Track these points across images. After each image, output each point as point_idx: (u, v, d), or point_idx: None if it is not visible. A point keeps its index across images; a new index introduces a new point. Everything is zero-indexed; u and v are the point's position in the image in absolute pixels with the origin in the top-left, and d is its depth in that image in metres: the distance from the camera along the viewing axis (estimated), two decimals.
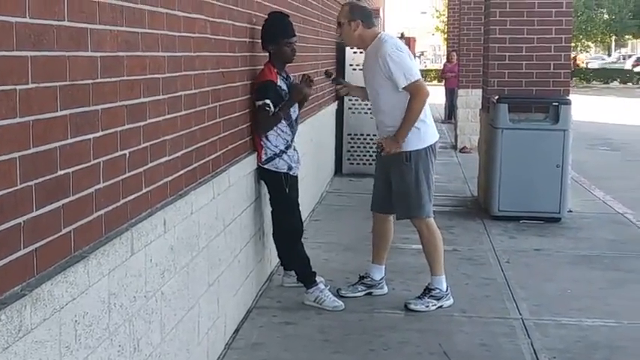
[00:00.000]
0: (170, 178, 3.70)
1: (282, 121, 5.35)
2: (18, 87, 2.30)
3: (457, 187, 10.60)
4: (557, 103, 8.30)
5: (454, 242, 7.37)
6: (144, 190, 3.35)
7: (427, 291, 5.54)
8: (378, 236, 5.89)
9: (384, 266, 5.89)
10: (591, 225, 8.34)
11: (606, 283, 6.30)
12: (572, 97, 8.59)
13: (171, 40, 3.71)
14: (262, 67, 5.46)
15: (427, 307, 5.47)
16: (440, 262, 5.61)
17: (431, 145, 5.51)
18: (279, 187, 5.46)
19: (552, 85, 8.62)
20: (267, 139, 5.36)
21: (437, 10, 53.30)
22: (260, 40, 5.43)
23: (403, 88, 5.33)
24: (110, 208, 2.98)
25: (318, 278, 5.60)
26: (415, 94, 5.35)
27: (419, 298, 5.53)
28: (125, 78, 3.14)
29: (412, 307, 5.46)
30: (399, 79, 5.32)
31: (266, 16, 5.50)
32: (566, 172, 8.27)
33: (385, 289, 5.81)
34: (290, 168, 5.46)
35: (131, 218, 3.20)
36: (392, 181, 5.56)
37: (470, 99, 15.09)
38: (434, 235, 5.59)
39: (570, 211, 8.61)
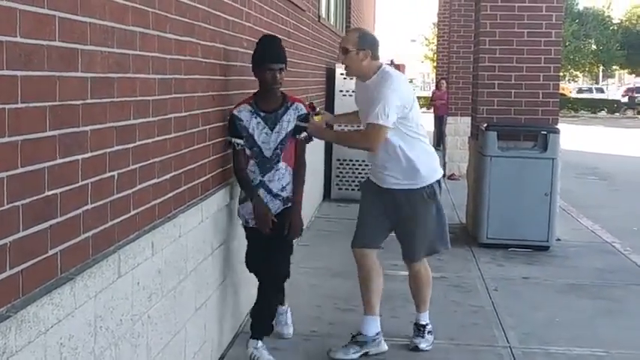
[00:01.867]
0: (159, 201, 3.67)
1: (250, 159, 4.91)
2: (7, 106, 2.28)
3: (446, 214, 10.56)
4: (545, 132, 8.33)
5: (442, 269, 7.34)
6: (132, 212, 3.33)
7: (421, 328, 5.31)
8: (370, 277, 5.26)
9: (378, 317, 5.29)
10: (579, 254, 8.34)
11: (594, 311, 6.28)
12: (560, 126, 8.61)
13: (162, 62, 3.70)
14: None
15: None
16: (427, 303, 5.38)
17: (438, 180, 5.16)
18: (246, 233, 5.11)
19: (541, 114, 8.65)
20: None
21: (426, 39, 53.65)
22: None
23: (367, 122, 4.92)
24: (98, 229, 2.96)
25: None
26: (370, 133, 4.92)
27: (418, 336, 5.30)
28: (115, 99, 3.12)
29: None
30: (375, 110, 4.81)
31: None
32: (554, 200, 8.28)
33: (384, 347, 5.23)
34: (247, 222, 5.00)
35: (118, 240, 3.17)
36: (405, 219, 5.16)
37: (459, 126, 15.13)
38: (429, 276, 5.38)
39: (559, 240, 8.62)
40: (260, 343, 4.92)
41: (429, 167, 5.10)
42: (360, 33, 5.25)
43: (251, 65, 4.94)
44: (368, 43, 5.06)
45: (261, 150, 4.88)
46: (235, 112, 4.86)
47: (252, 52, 4.99)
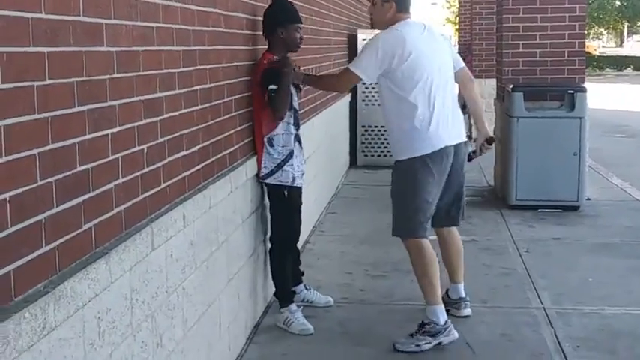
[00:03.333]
0: (188, 173, 3.68)
1: (287, 112, 4.91)
2: (36, 83, 2.28)
3: (473, 177, 10.50)
4: (572, 91, 8.23)
5: (472, 232, 7.32)
6: (162, 185, 3.33)
7: (420, 327, 4.77)
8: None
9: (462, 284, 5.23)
10: (610, 212, 8.28)
11: (627, 270, 6.24)
12: (586, 84, 8.51)
13: (185, 34, 3.68)
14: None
15: (418, 346, 4.69)
16: (432, 291, 4.80)
17: (429, 155, 4.75)
18: (279, 198, 5.03)
19: (567, 73, 8.55)
20: (272, 143, 4.90)
21: (447, 1, 53.11)
22: (262, 27, 5.05)
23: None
24: (130, 203, 2.97)
25: (295, 298, 5.18)
26: (341, 75, 5.12)
27: (410, 335, 4.76)
28: (141, 73, 3.11)
29: (398, 347, 4.71)
30: (357, 59, 4.93)
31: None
32: (583, 160, 8.21)
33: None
34: (294, 180, 5.00)
35: (151, 213, 3.19)
36: None
37: (483, 89, 14.99)
38: (422, 260, 4.82)
39: (588, 199, 8.56)
40: (294, 306, 5.02)
41: (402, 142, 4.85)
42: None
43: (263, 28, 4.99)
44: None
45: (293, 103, 5.04)
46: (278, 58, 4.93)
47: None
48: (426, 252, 4.82)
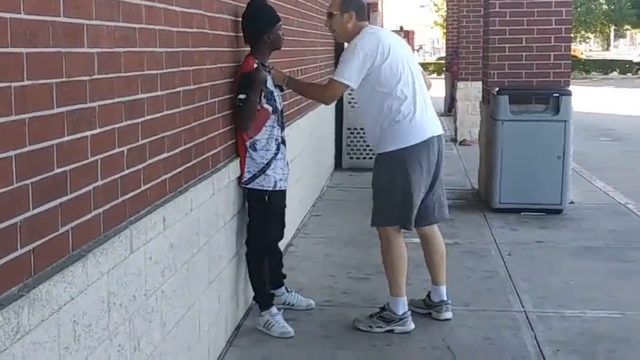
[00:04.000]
0: (169, 175, 3.66)
1: (271, 115, 4.93)
2: (13, 84, 2.26)
3: (458, 180, 10.56)
4: (557, 94, 8.26)
5: (455, 235, 7.33)
6: (143, 188, 3.31)
7: (379, 310, 5.03)
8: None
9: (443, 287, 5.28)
10: (593, 216, 8.31)
11: (609, 274, 6.27)
12: (571, 88, 8.54)
13: (168, 35, 3.66)
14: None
15: (370, 327, 4.97)
16: (396, 282, 4.99)
17: (417, 145, 4.88)
18: (259, 202, 4.97)
19: (553, 77, 8.57)
20: (255, 147, 4.87)
21: (435, 5, 53.22)
22: (243, 32, 5.01)
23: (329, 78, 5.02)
24: (108, 206, 2.95)
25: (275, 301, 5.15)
26: (326, 88, 5.09)
27: (369, 316, 5.03)
28: (122, 74, 3.09)
29: (356, 324, 5.03)
30: (338, 67, 4.92)
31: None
32: (567, 163, 8.24)
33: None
34: (276, 184, 4.96)
35: (130, 216, 3.16)
36: None
37: (469, 91, 15.04)
38: (392, 252, 4.99)
39: (572, 203, 8.58)
40: (275, 309, 4.99)
41: (385, 136, 4.93)
42: None
43: (245, 32, 4.98)
44: (352, 5, 5.06)
45: (277, 105, 5.02)
46: (255, 66, 4.89)
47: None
48: (397, 243, 5.01)
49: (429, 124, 5.00)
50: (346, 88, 4.93)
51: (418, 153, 4.90)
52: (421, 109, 4.95)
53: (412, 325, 5.01)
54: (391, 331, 4.97)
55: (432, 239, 5.30)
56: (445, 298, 5.27)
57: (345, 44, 5.46)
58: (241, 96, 4.81)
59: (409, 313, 5.04)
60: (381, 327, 4.98)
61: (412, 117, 4.90)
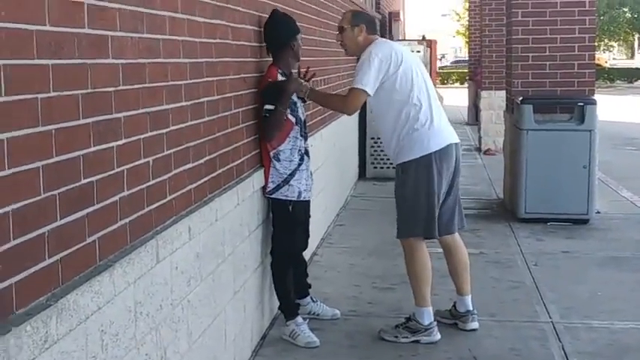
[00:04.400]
0: (194, 185, 3.67)
1: (294, 125, 4.95)
2: (39, 95, 2.28)
3: (483, 190, 10.52)
4: (582, 104, 8.20)
5: (481, 245, 7.29)
6: (168, 198, 3.33)
7: (405, 321, 5.03)
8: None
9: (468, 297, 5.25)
10: (620, 226, 8.23)
11: (637, 284, 6.20)
12: (596, 97, 8.49)
13: (192, 46, 3.68)
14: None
15: (396, 338, 4.96)
16: (421, 293, 4.98)
17: (437, 152, 4.89)
18: (284, 212, 4.99)
19: (577, 85, 8.52)
20: (278, 158, 4.89)
21: (457, 14, 53.15)
22: (265, 42, 5.03)
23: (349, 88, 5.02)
24: (135, 216, 2.96)
25: (300, 310, 5.13)
26: (346, 97, 5.04)
27: (395, 327, 5.02)
28: (147, 85, 3.11)
29: (382, 334, 5.02)
30: (355, 77, 4.94)
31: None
32: (593, 172, 8.17)
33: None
34: (300, 194, 4.97)
35: (156, 226, 3.18)
36: None
37: (493, 100, 14.99)
38: (416, 263, 4.99)
39: (598, 212, 8.51)
40: (300, 319, 4.99)
41: (405, 145, 4.93)
42: (354, 11, 5.46)
43: (267, 43, 5.01)
44: (362, 19, 5.16)
45: (300, 116, 5.04)
46: (279, 79, 4.92)
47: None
48: (421, 254, 5.00)
49: (447, 132, 5.02)
50: (366, 95, 4.93)
51: (438, 161, 4.91)
52: (438, 117, 4.98)
53: (438, 336, 4.99)
54: (417, 341, 4.95)
55: (455, 249, 5.28)
56: (471, 308, 5.23)
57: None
58: (268, 106, 4.82)
59: (435, 323, 5.02)
60: (407, 337, 4.97)
61: (430, 124, 4.91)
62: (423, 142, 4.89)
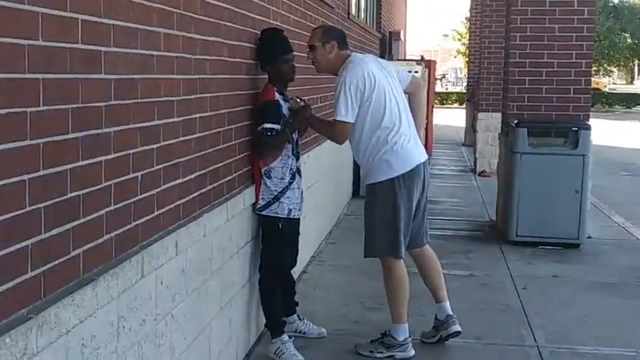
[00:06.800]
0: (183, 201, 3.69)
1: (287, 144, 4.97)
2: (29, 109, 2.30)
3: (475, 212, 10.53)
4: (576, 128, 8.24)
5: (471, 267, 7.31)
6: (156, 213, 3.34)
7: (381, 336, 5.12)
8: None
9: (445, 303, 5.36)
10: (611, 251, 8.25)
11: (625, 311, 6.21)
12: (592, 121, 8.52)
13: (187, 62, 3.71)
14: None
15: (371, 353, 5.05)
16: (398, 309, 5.07)
17: (406, 174, 4.96)
18: (273, 229, 5.00)
19: (572, 110, 8.58)
20: (269, 175, 4.92)
21: (458, 34, 53.31)
22: (257, 60, 5.04)
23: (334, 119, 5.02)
24: (121, 230, 2.98)
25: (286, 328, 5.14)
26: (335, 129, 5.06)
27: (370, 342, 5.12)
28: (139, 100, 3.14)
29: (357, 349, 5.12)
30: (336, 106, 4.95)
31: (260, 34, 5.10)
32: (585, 197, 8.20)
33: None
34: (290, 212, 5.00)
35: (142, 241, 3.19)
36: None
37: (490, 122, 15.03)
38: (393, 280, 5.08)
39: (589, 237, 8.53)
40: (286, 337, 5.00)
41: (377, 167, 5.01)
42: (324, 27, 5.47)
43: (258, 61, 5.01)
44: (333, 35, 5.17)
45: (293, 135, 5.05)
46: (277, 97, 4.95)
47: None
48: (399, 274, 5.08)
49: (416, 152, 5.09)
50: (349, 125, 4.97)
51: (407, 181, 4.98)
52: (407, 137, 5.04)
53: (412, 352, 5.09)
54: (392, 356, 5.04)
55: (424, 258, 5.39)
56: (451, 313, 5.31)
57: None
58: (271, 125, 4.83)
59: (410, 339, 5.10)
60: (381, 352, 5.05)
61: (399, 146, 4.99)
62: (391, 165, 4.97)
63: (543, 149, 8.25)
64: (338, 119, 4.96)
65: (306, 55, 5.32)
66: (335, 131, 5.10)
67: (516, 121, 8.43)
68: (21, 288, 2.27)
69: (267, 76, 5.07)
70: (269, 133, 4.84)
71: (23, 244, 2.28)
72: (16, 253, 2.24)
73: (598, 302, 6.43)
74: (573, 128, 8.28)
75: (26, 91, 2.30)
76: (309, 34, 5.41)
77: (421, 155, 5.12)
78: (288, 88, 5.21)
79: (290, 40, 5.20)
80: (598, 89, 45.02)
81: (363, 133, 5.00)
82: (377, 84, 4.94)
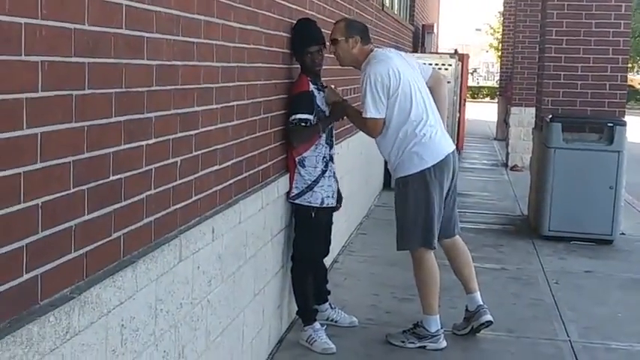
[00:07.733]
0: (220, 187, 3.72)
1: (321, 135, 5.00)
2: (74, 92, 2.33)
3: (507, 206, 10.49)
4: (612, 124, 8.18)
5: (502, 261, 7.29)
6: (194, 198, 3.38)
7: (413, 326, 5.12)
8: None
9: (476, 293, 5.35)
10: None
11: None
12: (627, 118, 8.45)
13: (225, 50, 3.74)
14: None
15: (403, 342, 5.06)
16: (429, 301, 5.07)
17: (436, 164, 4.96)
18: (306, 218, 5.04)
19: (607, 106, 8.51)
20: (303, 164, 4.96)
21: (491, 27, 52.94)
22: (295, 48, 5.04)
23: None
24: (160, 214, 3.01)
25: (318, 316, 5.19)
26: (368, 126, 5.06)
27: (402, 332, 5.13)
28: (179, 87, 3.17)
29: (389, 338, 5.13)
30: (363, 103, 4.96)
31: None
32: (619, 193, 8.14)
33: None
34: (322, 201, 5.03)
35: (180, 225, 3.23)
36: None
37: (523, 117, 14.96)
38: (423, 271, 5.08)
39: (623, 234, 8.47)
40: (318, 325, 5.03)
41: (406, 160, 5.00)
42: (347, 21, 5.36)
43: (292, 49, 5.01)
44: (356, 30, 5.13)
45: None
46: (311, 88, 4.97)
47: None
48: (429, 265, 5.08)
49: (444, 143, 5.08)
50: (380, 120, 4.97)
51: (438, 172, 4.98)
52: (435, 129, 5.03)
53: (444, 343, 5.08)
54: (423, 347, 5.05)
55: (455, 248, 5.40)
56: (481, 303, 5.31)
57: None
58: (304, 116, 4.86)
59: (442, 330, 5.10)
60: (413, 343, 5.06)
61: (428, 138, 4.98)
62: (422, 157, 4.96)
63: (577, 144, 8.20)
64: (368, 117, 4.96)
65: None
66: (367, 126, 5.09)
67: (551, 116, 8.38)
68: (64, 268, 2.31)
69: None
70: (303, 124, 4.86)
71: (68, 224, 2.32)
72: (60, 233, 2.28)
73: (631, 298, 6.39)
74: (609, 124, 8.21)
75: (72, 74, 2.33)
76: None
77: (449, 145, 5.12)
78: (323, 78, 5.22)
79: (323, 31, 5.21)
80: (632, 86, 44.45)
81: (390, 128, 5.00)
82: (402, 79, 4.93)
